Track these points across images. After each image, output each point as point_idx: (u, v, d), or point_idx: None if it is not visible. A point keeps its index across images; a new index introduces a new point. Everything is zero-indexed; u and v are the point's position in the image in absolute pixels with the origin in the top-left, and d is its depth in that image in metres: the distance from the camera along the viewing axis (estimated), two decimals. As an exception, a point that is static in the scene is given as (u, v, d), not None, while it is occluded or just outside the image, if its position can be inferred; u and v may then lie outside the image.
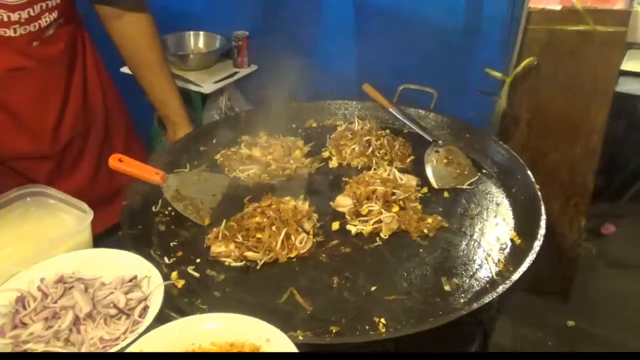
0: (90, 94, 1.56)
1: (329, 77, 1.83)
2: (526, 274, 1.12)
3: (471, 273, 1.18)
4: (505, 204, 1.38)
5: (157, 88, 1.62)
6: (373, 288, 1.14)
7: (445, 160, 1.48)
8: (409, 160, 1.54)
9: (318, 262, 1.22)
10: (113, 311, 0.97)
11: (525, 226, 1.27)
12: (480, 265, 1.20)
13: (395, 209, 1.31)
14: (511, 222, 1.32)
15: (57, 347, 0.92)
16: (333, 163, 1.54)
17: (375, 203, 1.31)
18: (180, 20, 2.62)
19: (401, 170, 1.46)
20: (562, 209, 2.05)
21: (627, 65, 2.37)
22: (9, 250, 1.16)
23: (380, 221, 1.29)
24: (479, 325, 1.57)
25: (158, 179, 1.36)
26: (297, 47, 2.25)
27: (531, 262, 1.13)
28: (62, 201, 1.24)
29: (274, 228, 1.24)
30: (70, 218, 1.21)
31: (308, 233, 1.26)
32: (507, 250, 1.23)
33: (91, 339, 0.93)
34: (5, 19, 1.29)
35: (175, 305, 1.04)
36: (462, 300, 1.11)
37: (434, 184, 1.44)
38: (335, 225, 1.31)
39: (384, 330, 1.04)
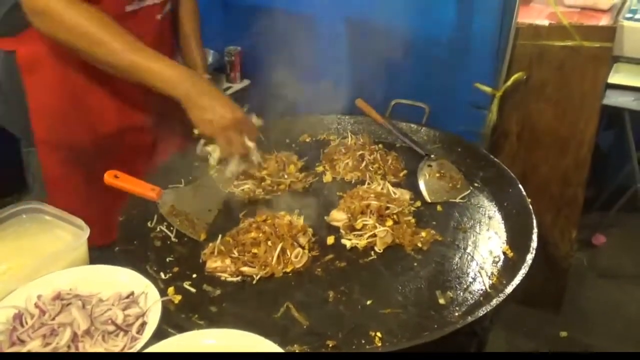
0: None
1: (322, 92, 1.85)
2: (519, 286, 1.13)
3: (465, 286, 1.19)
4: (497, 217, 1.40)
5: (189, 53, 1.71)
6: (368, 302, 1.15)
7: (437, 174, 1.50)
8: (402, 174, 1.56)
9: (314, 277, 1.23)
10: (111, 327, 0.97)
11: (517, 239, 1.29)
12: (474, 279, 1.21)
13: (389, 223, 1.32)
14: (503, 235, 1.34)
15: (55, 365, 0.92)
16: (327, 178, 1.55)
17: (370, 217, 1.33)
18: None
19: (394, 185, 1.48)
20: (553, 221, 2.08)
21: (614, 78, 2.42)
22: (5, 267, 1.16)
23: (374, 235, 1.30)
24: (473, 336, 1.58)
25: (154, 195, 1.37)
26: (289, 62, 2.28)
27: (524, 275, 1.15)
28: (58, 218, 1.24)
29: (269, 243, 1.25)
30: (67, 234, 1.22)
31: (303, 248, 1.27)
32: (500, 263, 1.25)
33: (89, 356, 0.93)
34: None
35: (173, 321, 1.05)
36: (456, 314, 1.13)
37: (427, 198, 1.45)
38: (330, 240, 1.32)
39: (380, 344, 1.05)
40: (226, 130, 1.37)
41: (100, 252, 1.29)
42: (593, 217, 2.99)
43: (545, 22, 1.83)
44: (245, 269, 1.22)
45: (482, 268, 1.24)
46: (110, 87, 1.48)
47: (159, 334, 0.98)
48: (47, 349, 0.94)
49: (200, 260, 1.27)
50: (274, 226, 1.29)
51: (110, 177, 1.36)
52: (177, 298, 1.16)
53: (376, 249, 1.29)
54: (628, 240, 3.02)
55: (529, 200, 1.35)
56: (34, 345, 0.95)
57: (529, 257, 1.18)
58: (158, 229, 1.36)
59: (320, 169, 1.59)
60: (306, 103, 1.78)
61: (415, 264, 1.26)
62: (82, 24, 1.28)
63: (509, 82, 1.84)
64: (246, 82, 2.56)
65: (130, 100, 1.52)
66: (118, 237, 1.28)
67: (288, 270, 1.23)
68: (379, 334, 1.07)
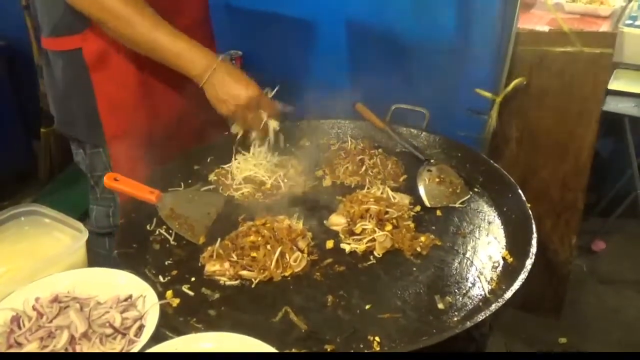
0: None
1: (322, 96, 1.85)
2: (518, 292, 1.13)
3: (464, 291, 1.19)
4: (497, 222, 1.40)
5: None
6: (367, 306, 1.15)
7: (437, 179, 1.49)
8: (401, 179, 1.55)
9: (312, 281, 1.22)
10: (109, 330, 0.97)
11: (517, 244, 1.28)
12: (473, 284, 1.21)
13: (389, 227, 1.32)
14: (503, 241, 1.33)
15: (52, 368, 0.92)
16: (327, 182, 1.55)
17: (369, 222, 1.32)
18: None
19: (394, 189, 1.48)
20: (553, 227, 2.07)
21: (614, 84, 2.42)
22: (3, 269, 1.16)
23: (373, 240, 1.30)
24: (472, 342, 1.57)
25: (153, 198, 1.37)
26: (290, 66, 2.28)
27: (523, 280, 1.14)
28: (57, 220, 1.24)
29: (268, 247, 1.25)
30: (65, 237, 1.22)
31: (302, 252, 1.27)
32: (500, 268, 1.25)
33: (87, 358, 0.93)
34: None
35: (171, 324, 1.04)
36: (455, 319, 1.12)
37: (427, 203, 1.45)
38: (330, 244, 1.31)
39: (378, 349, 1.04)
40: (241, 108, 1.42)
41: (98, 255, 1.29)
42: (593, 223, 2.99)
43: (546, 28, 1.84)
44: (244, 272, 1.22)
45: (481, 273, 1.24)
46: (172, 73, 1.48)
47: (157, 337, 0.97)
48: (45, 352, 0.94)
49: (199, 264, 1.26)
50: (273, 230, 1.28)
51: (110, 180, 1.36)
52: (176, 301, 1.15)
53: (375, 253, 1.29)
54: (628, 246, 3.02)
55: (529, 205, 1.34)
56: (31, 348, 0.95)
57: (529, 263, 1.18)
58: (157, 232, 1.36)
59: (319, 173, 1.59)
60: (306, 107, 1.78)
61: (415, 269, 1.25)
62: (111, 1, 1.31)
63: (509, 88, 1.84)
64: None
65: (189, 82, 1.53)
66: (117, 240, 1.28)
67: (287, 274, 1.23)
68: (377, 338, 1.07)
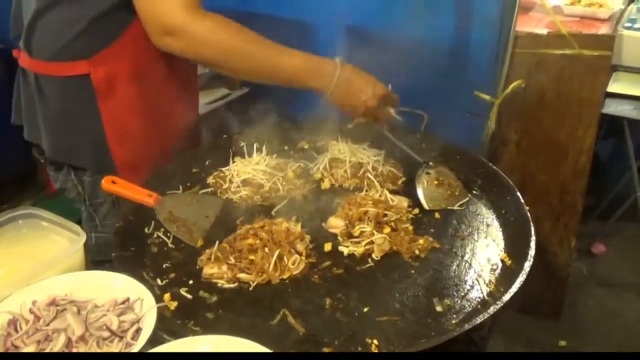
0: None
1: (320, 99, 1.85)
2: (517, 294, 1.13)
3: (463, 294, 1.19)
4: (495, 225, 1.40)
5: None
6: (365, 309, 1.15)
7: (436, 182, 1.50)
8: (400, 181, 1.55)
9: (311, 284, 1.22)
10: (106, 333, 0.97)
11: (515, 247, 1.28)
12: (472, 286, 1.21)
13: (387, 230, 1.32)
14: (501, 243, 1.33)
15: (49, 371, 0.92)
16: (325, 184, 1.55)
17: (367, 224, 1.32)
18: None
19: (392, 192, 1.48)
20: (552, 229, 2.07)
21: (613, 87, 2.42)
22: (1, 272, 1.16)
23: (372, 242, 1.29)
24: (472, 345, 1.58)
25: (151, 201, 1.37)
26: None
27: (521, 282, 1.14)
28: (54, 223, 1.24)
29: (266, 249, 1.25)
30: (63, 240, 1.22)
31: (300, 254, 1.27)
32: (498, 271, 1.25)
33: (83, 362, 0.93)
34: None
35: (168, 327, 1.04)
36: (454, 321, 1.12)
37: (425, 205, 1.45)
38: (328, 247, 1.31)
39: (376, 351, 1.04)
40: (371, 110, 1.44)
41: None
42: (592, 225, 2.99)
43: (544, 31, 1.84)
44: (242, 275, 1.22)
45: (479, 276, 1.23)
46: (181, 102, 1.54)
47: (154, 340, 0.97)
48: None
49: (197, 267, 1.26)
50: (271, 233, 1.28)
51: (108, 183, 1.36)
52: (173, 304, 1.15)
53: (374, 256, 1.29)
54: (628, 249, 3.02)
55: (527, 208, 1.34)
56: (28, 351, 0.94)
57: (527, 265, 1.18)
58: (155, 235, 1.36)
59: (318, 175, 1.58)
60: (304, 110, 1.78)
61: (413, 272, 1.25)
62: (219, 36, 1.30)
63: (508, 90, 1.84)
64: (245, 89, 2.57)
65: (192, 108, 1.63)
66: (114, 243, 1.28)
67: (285, 276, 1.23)
68: (375, 341, 1.07)
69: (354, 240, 1.32)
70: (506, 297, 1.11)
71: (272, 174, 1.53)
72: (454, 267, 1.26)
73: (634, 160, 2.72)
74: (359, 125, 1.58)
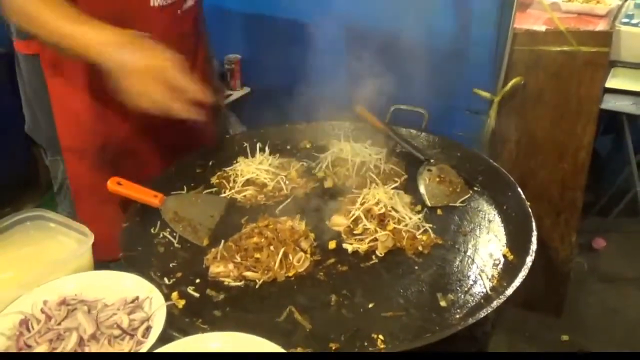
0: (207, 75, 1.62)
1: (321, 99, 1.87)
2: (520, 288, 1.15)
3: (466, 289, 1.21)
4: (497, 220, 1.42)
5: None
6: (370, 305, 1.17)
7: (437, 179, 1.52)
8: (402, 179, 1.57)
9: (316, 281, 1.24)
10: (117, 332, 0.99)
11: (517, 242, 1.30)
12: (475, 281, 1.23)
13: (390, 227, 1.34)
14: (503, 239, 1.35)
15: (62, 369, 0.94)
16: (328, 183, 1.57)
17: (370, 222, 1.34)
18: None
19: (395, 189, 1.49)
20: (552, 225, 2.09)
21: (612, 82, 2.44)
22: (10, 274, 1.18)
23: (375, 239, 1.32)
24: (474, 341, 1.59)
25: (156, 202, 1.39)
26: (289, 69, 2.30)
27: (524, 277, 1.16)
28: (62, 224, 1.25)
29: (272, 248, 1.27)
30: (71, 241, 1.23)
31: (305, 252, 1.29)
32: (500, 266, 1.27)
33: (95, 359, 0.95)
34: None
35: (177, 325, 1.06)
36: (457, 316, 1.14)
37: (428, 202, 1.47)
38: (332, 244, 1.33)
39: (382, 346, 1.06)
40: (142, 80, 1.17)
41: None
42: (593, 221, 3.01)
43: (542, 28, 1.86)
44: (248, 273, 1.24)
45: (482, 271, 1.25)
46: None
47: (164, 338, 0.99)
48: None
49: (204, 266, 1.28)
50: (276, 231, 1.30)
51: (114, 185, 1.38)
52: (181, 303, 1.17)
53: (377, 252, 1.31)
54: (628, 244, 3.04)
55: (528, 203, 1.36)
56: (41, 350, 0.96)
57: (529, 260, 1.20)
58: (161, 235, 1.38)
59: (321, 174, 1.60)
60: (306, 110, 1.80)
61: (417, 267, 1.27)
62: (32, 8, 1.20)
63: (507, 88, 1.87)
64: (246, 89, 2.59)
65: None
66: (121, 244, 1.30)
67: (290, 274, 1.25)
68: (381, 336, 1.09)
69: (357, 237, 1.34)
70: (509, 291, 1.13)
71: (275, 173, 1.55)
72: (457, 263, 1.28)
73: (633, 155, 2.74)
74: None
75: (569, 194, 2.04)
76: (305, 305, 1.17)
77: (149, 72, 1.17)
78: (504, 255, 1.29)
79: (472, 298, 1.19)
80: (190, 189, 1.55)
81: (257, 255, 1.26)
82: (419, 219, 1.38)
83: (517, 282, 1.15)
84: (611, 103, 2.40)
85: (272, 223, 1.33)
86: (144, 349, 0.95)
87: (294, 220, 1.38)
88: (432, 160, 1.58)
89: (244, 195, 1.51)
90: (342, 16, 2.01)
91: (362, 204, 1.39)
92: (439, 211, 1.46)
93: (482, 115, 1.92)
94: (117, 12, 1.30)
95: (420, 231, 1.35)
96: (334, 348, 1.07)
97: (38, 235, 1.26)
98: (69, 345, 0.96)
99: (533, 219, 1.31)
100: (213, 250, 1.30)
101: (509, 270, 1.23)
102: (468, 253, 1.31)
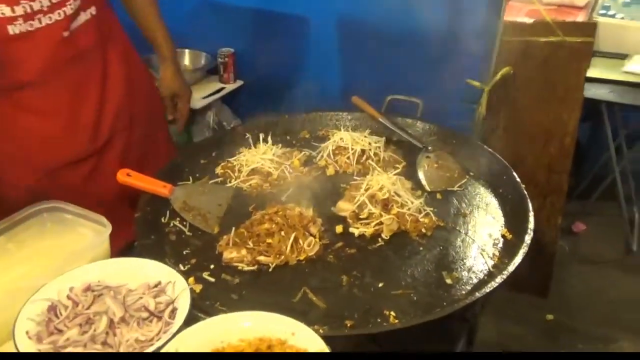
0: (133, 81, 1.59)
1: (317, 90, 1.92)
2: (520, 265, 1.22)
3: (469, 267, 1.27)
4: (494, 203, 1.48)
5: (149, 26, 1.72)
6: (380, 284, 1.23)
7: (436, 165, 1.58)
8: (401, 166, 1.62)
9: (326, 263, 1.29)
10: (145, 314, 1.03)
11: (514, 222, 1.37)
12: (477, 260, 1.29)
13: (394, 211, 1.39)
14: (501, 220, 1.42)
15: (96, 350, 0.97)
16: (330, 171, 1.62)
17: (375, 207, 1.40)
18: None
19: (396, 175, 1.55)
20: (539, 208, 2.17)
21: (591, 72, 2.52)
22: (29, 266, 1.20)
23: (381, 223, 1.37)
24: (465, 322, 1.67)
25: (166, 192, 1.43)
26: (283, 62, 2.35)
27: (524, 254, 1.23)
28: (79, 215, 1.28)
29: (282, 233, 1.31)
30: (89, 232, 1.26)
31: (314, 236, 1.34)
32: (500, 245, 1.33)
33: (127, 340, 0.99)
34: (28, 9, 1.27)
35: (199, 307, 1.10)
36: (463, 292, 1.20)
37: (427, 187, 1.53)
38: (339, 229, 1.38)
39: (396, 322, 1.12)
40: None
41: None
42: (573, 205, 3.11)
43: (530, 19, 1.93)
44: (261, 258, 1.28)
45: (483, 250, 1.32)
46: (44, 122, 1.42)
47: (189, 319, 1.03)
48: (86, 336, 0.99)
49: (217, 252, 1.32)
50: (285, 217, 1.35)
51: (123, 176, 1.42)
52: (198, 287, 1.21)
53: (383, 235, 1.36)
54: (606, 227, 3.14)
55: (523, 185, 1.43)
56: (72, 334, 1.00)
57: (528, 238, 1.27)
58: (172, 224, 1.42)
59: (322, 163, 1.65)
60: (301, 102, 1.84)
61: (421, 249, 1.33)
62: None
63: (497, 77, 1.93)
64: (240, 82, 2.62)
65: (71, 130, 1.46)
66: (136, 233, 1.33)
67: (301, 258, 1.30)
68: (393, 313, 1.14)
69: (363, 221, 1.39)
70: (511, 267, 1.20)
71: (279, 162, 1.60)
72: (459, 243, 1.35)
73: (612, 142, 2.85)
74: None
75: (555, 177, 2.12)
76: (318, 287, 1.22)
77: None
78: (503, 235, 1.36)
79: (476, 275, 1.25)
80: (196, 180, 1.59)
81: (269, 240, 1.30)
82: (421, 203, 1.44)
83: (518, 259, 1.22)
84: (591, 91, 2.50)
85: (281, 210, 1.38)
86: (173, 329, 0.99)
87: (301, 206, 1.42)
88: (430, 148, 1.64)
89: (250, 184, 1.55)
90: (336, 8, 2.06)
91: (366, 190, 1.44)
92: (438, 195, 1.52)
93: (474, 104, 1.99)
94: None
95: (423, 214, 1.41)
96: (349, 325, 1.12)
97: (55, 227, 1.29)
98: (100, 328, 1.00)
99: (529, 200, 1.38)
100: (225, 237, 1.34)
101: (508, 249, 1.30)
102: (469, 234, 1.38)
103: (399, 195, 1.43)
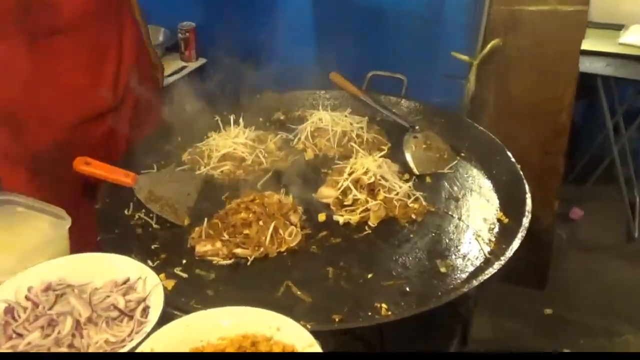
0: (141, 49, 1.75)
1: (291, 67, 1.93)
2: (519, 250, 1.26)
3: (464, 254, 1.31)
4: (487, 185, 1.53)
5: None
6: (369, 275, 1.26)
7: (424, 146, 1.62)
8: (386, 147, 1.66)
9: (310, 254, 1.32)
10: (114, 313, 1.04)
11: (510, 205, 1.42)
12: (472, 246, 1.33)
13: (381, 196, 1.43)
14: (496, 203, 1.46)
15: (62, 354, 0.98)
16: (309, 155, 1.65)
17: (360, 192, 1.43)
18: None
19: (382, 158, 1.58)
20: (534, 192, 2.21)
21: (584, 44, 2.60)
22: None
23: (367, 210, 1.40)
24: (458, 318, 1.72)
25: (129, 181, 1.43)
26: (251, 36, 2.34)
27: (522, 238, 1.27)
28: (32, 208, 1.28)
29: (260, 223, 1.33)
30: (44, 225, 1.26)
31: (296, 226, 1.36)
32: (496, 229, 1.38)
33: (96, 342, 1.00)
34: None
35: (174, 306, 1.11)
36: (459, 281, 1.24)
37: (415, 170, 1.57)
38: (322, 217, 1.41)
39: (389, 314, 1.15)
40: None
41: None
42: (569, 190, 3.19)
43: (519, -14, 1.98)
44: (238, 250, 1.30)
45: (478, 235, 1.36)
46: (73, 73, 1.54)
47: (163, 320, 1.04)
48: (49, 340, 1.00)
49: (188, 245, 1.34)
50: (263, 205, 1.37)
51: (81, 164, 1.42)
52: (170, 284, 1.22)
53: (370, 223, 1.40)
54: (605, 212, 3.23)
55: (519, 166, 1.48)
56: (34, 337, 1.00)
57: (525, 221, 1.31)
58: (137, 217, 1.42)
59: (300, 146, 1.68)
60: (273, 81, 1.85)
61: (412, 236, 1.37)
62: None
63: (486, 50, 1.98)
64: (202, 60, 2.62)
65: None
66: (98, 227, 1.33)
67: (282, 249, 1.32)
68: (384, 305, 1.17)
69: (347, 208, 1.42)
70: (509, 252, 1.24)
71: (252, 146, 1.61)
72: (452, 229, 1.39)
73: (610, 120, 2.93)
74: None
75: (549, 159, 2.19)
76: (302, 280, 1.25)
77: None
78: (499, 219, 1.40)
79: (471, 262, 1.29)
80: (161, 168, 1.59)
81: (246, 231, 1.32)
82: (409, 187, 1.48)
83: (516, 243, 1.26)
84: (585, 65, 2.57)
85: (258, 197, 1.39)
86: (146, 328, 1.00)
87: (279, 194, 1.45)
88: (416, 127, 1.67)
89: (222, 171, 1.56)
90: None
91: (350, 174, 1.47)
92: (427, 179, 1.56)
93: (460, 80, 2.03)
94: None
95: (412, 199, 1.45)
96: (337, 319, 1.15)
97: (6, 221, 1.27)
98: (64, 330, 1.00)
99: (525, 181, 1.42)
100: (197, 229, 1.36)
101: (505, 233, 1.35)
102: (462, 219, 1.42)
103: (385, 179, 1.47)
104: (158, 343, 0.97)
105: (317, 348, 0.96)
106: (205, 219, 1.37)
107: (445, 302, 1.15)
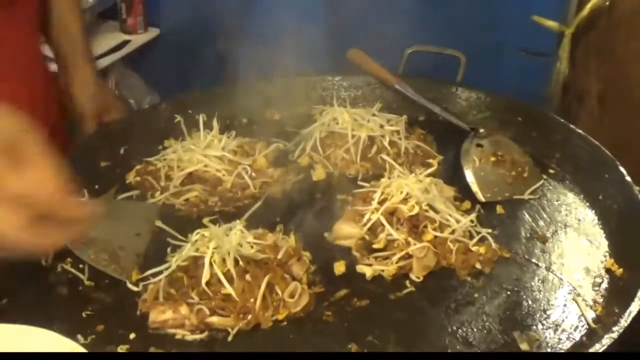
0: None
1: (287, 41, 1.94)
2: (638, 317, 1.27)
3: (556, 322, 1.32)
4: (590, 217, 1.54)
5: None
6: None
7: (492, 159, 1.63)
8: (435, 162, 1.68)
9: (322, 324, 1.32)
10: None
11: (626, 248, 1.43)
12: (569, 310, 1.34)
13: (429, 236, 1.44)
14: (604, 244, 1.48)
15: None
16: (318, 174, 1.66)
17: (398, 229, 1.44)
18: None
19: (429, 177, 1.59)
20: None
21: None
22: None
23: (408, 256, 1.42)
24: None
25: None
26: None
27: (645, 299, 1.28)
28: None
29: (247, 277, 1.34)
30: None
31: (300, 281, 1.38)
32: (604, 285, 1.38)
33: None
34: None
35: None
36: (549, 364, 1.25)
37: (480, 196, 1.58)
38: (340, 267, 1.42)
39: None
40: None
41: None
42: None
43: None
44: (213, 319, 1.31)
45: (578, 294, 1.37)
46: None
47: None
48: None
49: (137, 312, 1.35)
50: (251, 251, 1.39)
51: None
52: (113, 371, 1.24)
53: (412, 276, 1.41)
54: None
55: (638, 188, 1.49)
56: None
57: (650, 272, 1.33)
58: (59, 269, 1.43)
59: (305, 161, 1.70)
60: (263, 61, 1.87)
61: (476, 295, 1.38)
62: None
63: (584, 13, 1.98)
64: (154, 32, 2.64)
65: None
66: (2, 287, 1.35)
67: (281, 317, 1.32)
68: (436, 402, 1.19)
69: (378, 254, 1.44)
70: (624, 320, 1.24)
71: (233, 162, 1.63)
72: (537, 284, 1.40)
73: None
74: None
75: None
76: (310, 364, 1.26)
77: None
78: (608, 270, 1.41)
79: (568, 335, 1.29)
80: (96, 195, 1.61)
81: (226, 290, 1.33)
82: (471, 221, 1.49)
83: (635, 306, 1.27)
84: None
85: (243, 239, 1.41)
86: None
87: (275, 233, 1.46)
88: (481, 130, 1.69)
89: (187, 200, 1.58)
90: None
91: (380, 203, 1.48)
92: (498, 208, 1.57)
93: (545, 57, 2.03)
94: None
95: (475, 240, 1.47)
96: None
97: None
98: None
99: (649, 213, 1.44)
100: (151, 287, 1.37)
101: (618, 291, 1.35)
102: (552, 269, 1.43)
103: (435, 211, 1.48)
104: None
105: None
106: (164, 272, 1.39)
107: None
